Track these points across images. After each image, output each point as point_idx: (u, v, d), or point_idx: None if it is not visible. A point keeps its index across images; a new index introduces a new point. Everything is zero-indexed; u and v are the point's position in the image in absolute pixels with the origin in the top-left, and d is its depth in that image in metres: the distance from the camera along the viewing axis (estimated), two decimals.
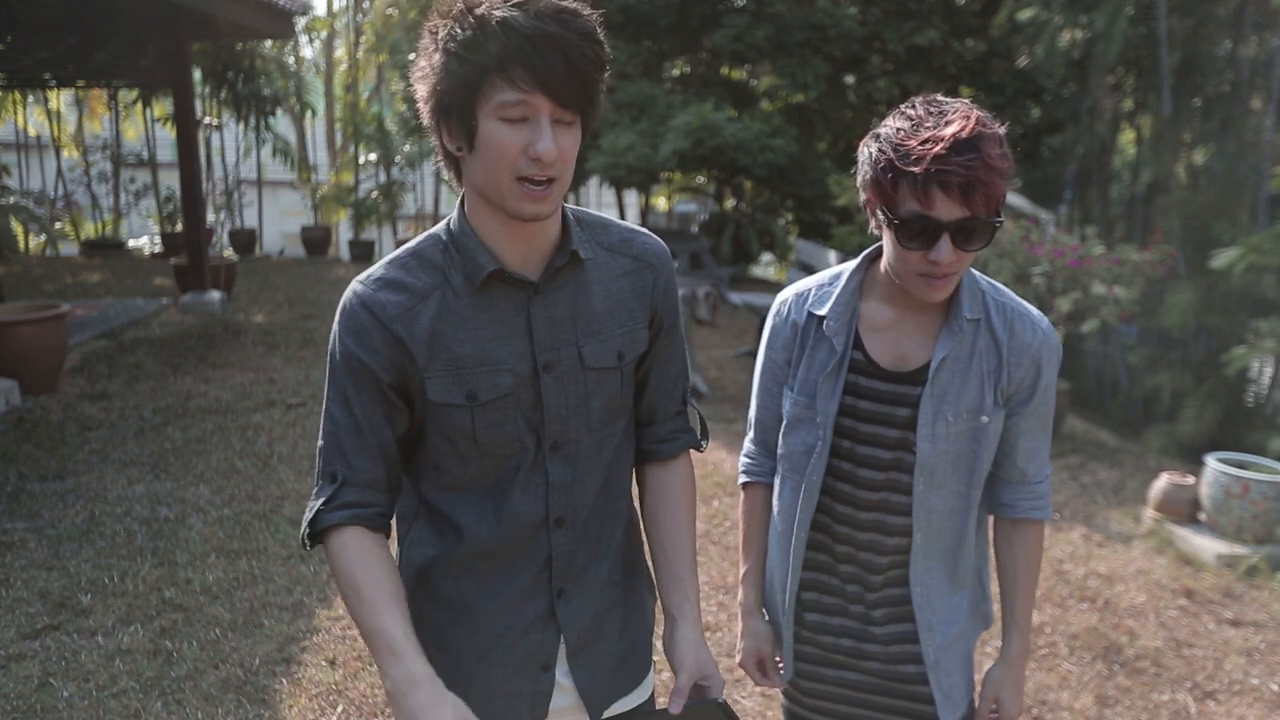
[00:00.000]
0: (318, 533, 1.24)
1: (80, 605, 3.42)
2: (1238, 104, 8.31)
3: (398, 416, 1.26)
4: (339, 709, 2.87)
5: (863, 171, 1.38)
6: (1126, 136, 10.25)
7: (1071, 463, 5.83)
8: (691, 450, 1.47)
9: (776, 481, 1.64)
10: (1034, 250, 6.34)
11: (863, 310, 1.50)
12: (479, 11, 1.10)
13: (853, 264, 1.53)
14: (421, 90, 1.18)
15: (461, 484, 1.29)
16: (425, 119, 1.19)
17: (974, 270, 1.51)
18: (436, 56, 1.14)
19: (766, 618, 1.71)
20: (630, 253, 1.33)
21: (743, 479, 1.72)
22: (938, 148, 1.25)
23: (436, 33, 1.14)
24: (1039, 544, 1.59)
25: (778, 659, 1.71)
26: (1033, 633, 3.51)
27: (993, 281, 1.50)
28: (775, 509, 1.65)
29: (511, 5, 1.10)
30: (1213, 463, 4.46)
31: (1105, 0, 8.12)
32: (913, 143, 1.28)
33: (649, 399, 1.41)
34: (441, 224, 1.28)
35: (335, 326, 1.25)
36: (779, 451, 1.61)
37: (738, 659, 1.72)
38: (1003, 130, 1.33)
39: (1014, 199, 14.15)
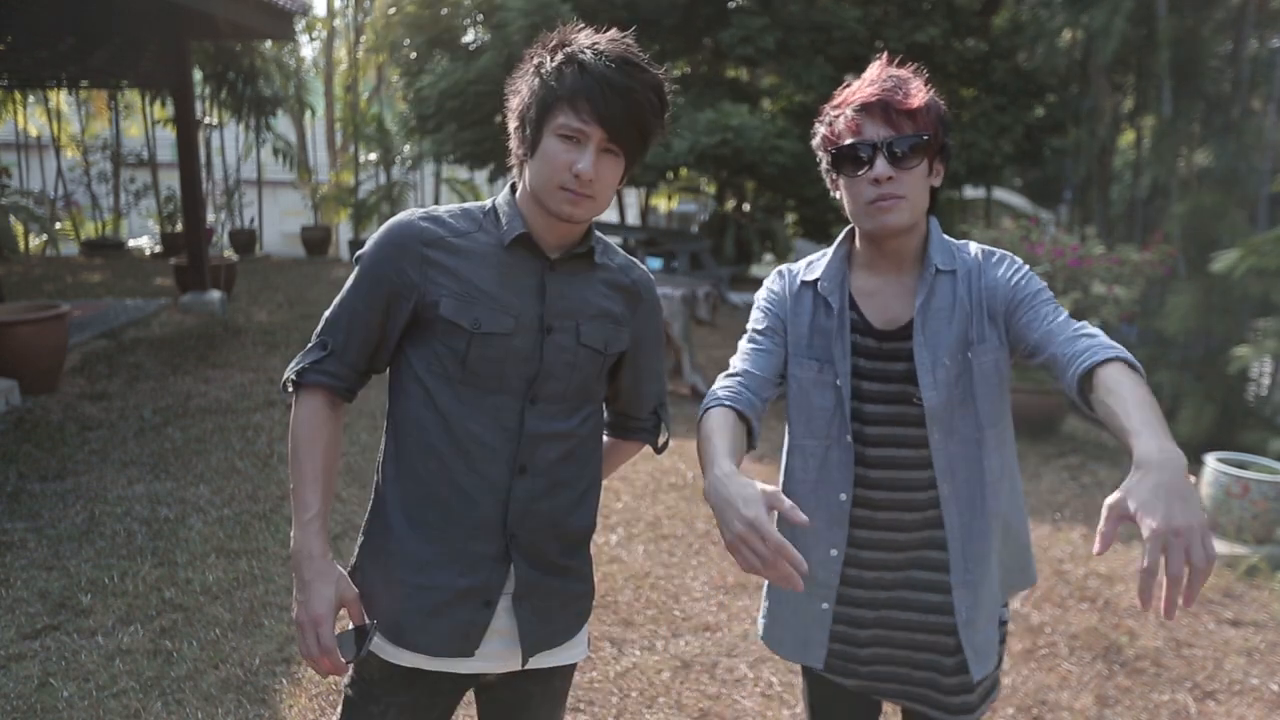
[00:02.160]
0: (298, 383, 1.50)
1: (80, 605, 3.42)
2: (1238, 104, 8.31)
3: (395, 323, 1.46)
4: (339, 709, 2.87)
5: (816, 139, 1.58)
6: (1127, 137, 10.25)
7: (1071, 463, 5.83)
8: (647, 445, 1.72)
9: (796, 454, 1.61)
10: (1034, 250, 6.35)
11: (853, 280, 1.61)
12: (569, 50, 1.38)
13: (837, 239, 1.65)
14: (513, 101, 1.44)
15: (442, 407, 1.45)
16: (510, 123, 1.46)
17: (951, 238, 1.60)
18: (529, 77, 1.41)
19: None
20: (630, 276, 1.58)
21: (712, 405, 1.50)
22: (860, 87, 1.51)
23: (534, 59, 1.41)
24: (1134, 379, 1.24)
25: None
26: (1033, 632, 3.51)
27: (967, 242, 1.62)
28: (804, 479, 1.60)
29: (594, 51, 1.36)
30: (1213, 463, 4.46)
31: (1103, 0, 8.11)
32: (841, 96, 1.54)
33: (624, 403, 1.65)
34: (489, 199, 1.54)
35: (377, 235, 1.48)
36: (792, 420, 1.61)
37: (735, 528, 1.19)
38: (919, 78, 1.52)
39: (1014, 199, 14.18)
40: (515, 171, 1.49)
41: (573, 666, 1.66)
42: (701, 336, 8.48)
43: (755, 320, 1.66)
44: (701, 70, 12.47)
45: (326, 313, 1.51)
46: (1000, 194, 13.52)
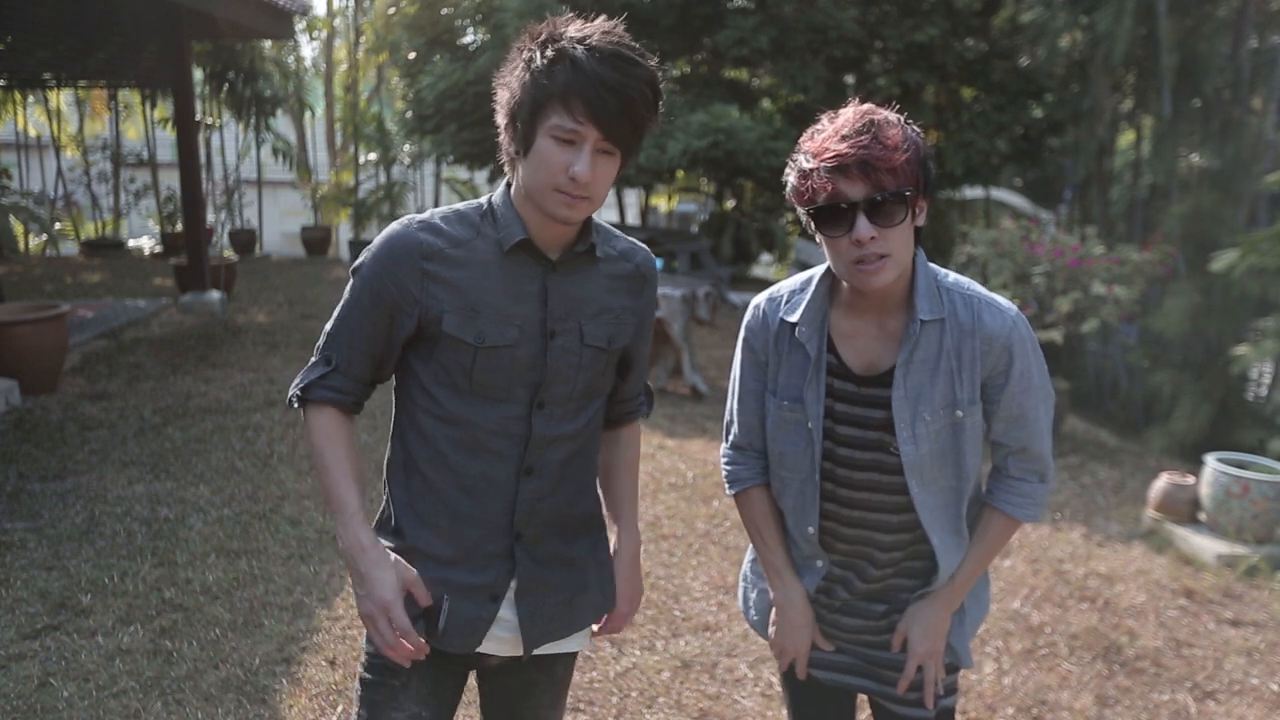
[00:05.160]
0: (304, 400, 1.49)
1: (80, 605, 3.42)
2: (1238, 105, 8.30)
3: (399, 335, 1.45)
4: (339, 709, 2.87)
5: (787, 187, 1.47)
6: (1127, 137, 10.25)
7: (1071, 463, 5.83)
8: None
9: (775, 480, 1.65)
10: (1034, 250, 6.35)
11: (834, 320, 1.55)
12: (559, 45, 1.32)
13: (819, 270, 1.57)
14: (502, 96, 1.39)
15: (450, 416, 1.45)
16: (500, 119, 1.41)
17: (939, 268, 1.54)
18: (519, 72, 1.36)
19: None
20: (634, 260, 1.57)
21: (733, 488, 1.70)
22: (831, 139, 1.39)
23: (523, 52, 1.36)
24: (999, 534, 1.58)
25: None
26: (1033, 633, 3.51)
27: (959, 278, 1.53)
28: (785, 505, 1.65)
29: (585, 46, 1.31)
30: (1213, 462, 4.46)
31: (1108, 1, 8.10)
32: (812, 144, 1.42)
33: (622, 390, 1.65)
34: (484, 197, 1.51)
35: (374, 246, 1.45)
36: (772, 456, 1.63)
37: (788, 654, 1.69)
38: (898, 116, 1.43)
39: (1014, 199, 14.17)
40: (507, 168, 1.45)
41: (575, 654, 1.68)
42: (701, 336, 8.47)
43: (740, 366, 1.66)
44: (700, 71, 12.47)
45: (327, 326, 1.50)
46: (1000, 194, 13.51)
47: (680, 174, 12.25)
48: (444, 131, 11.22)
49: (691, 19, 11.24)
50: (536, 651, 1.56)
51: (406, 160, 15.73)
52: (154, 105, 13.83)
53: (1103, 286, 6.02)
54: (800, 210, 1.45)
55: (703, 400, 6.83)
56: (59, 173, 14.85)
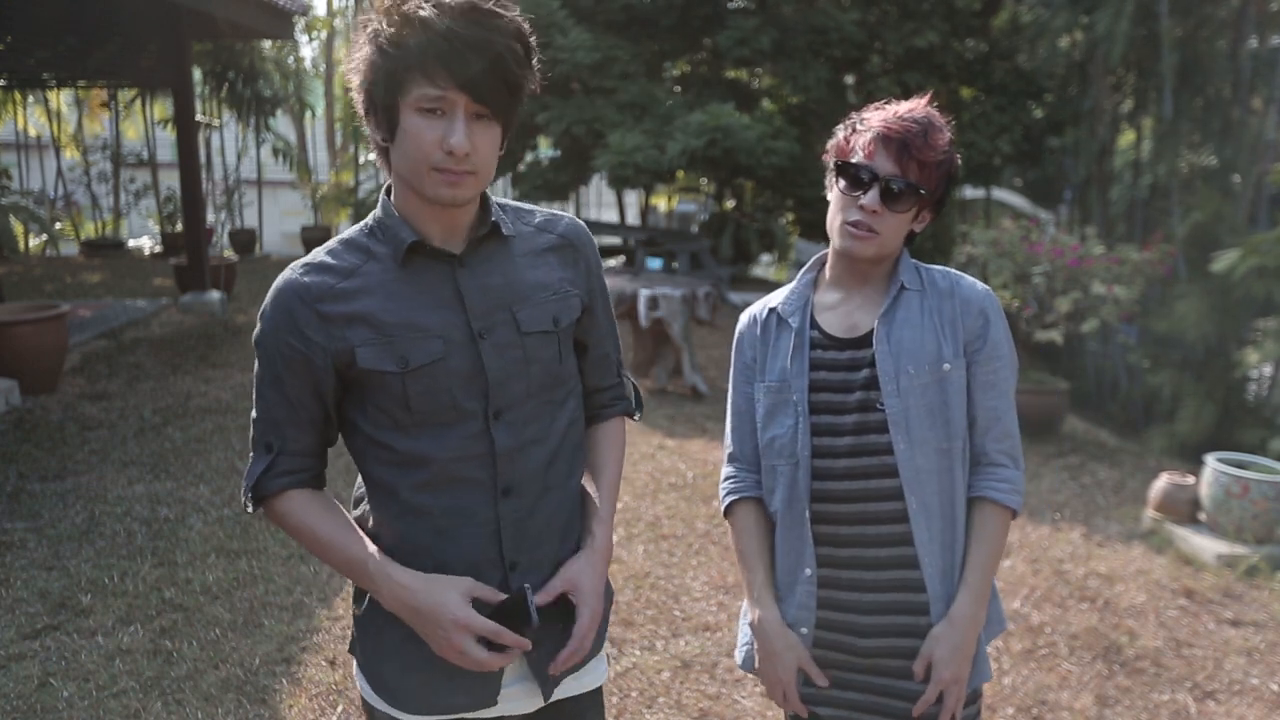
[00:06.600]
0: (260, 497, 1.35)
1: (80, 605, 3.42)
2: (1238, 105, 8.30)
3: (326, 390, 1.32)
4: (339, 709, 2.87)
5: (831, 141, 1.60)
6: (1127, 137, 10.26)
7: (1071, 463, 5.83)
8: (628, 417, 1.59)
9: (768, 475, 1.63)
10: (1034, 250, 6.35)
11: (816, 298, 1.65)
12: (404, 9, 1.19)
13: (806, 266, 1.70)
14: (354, 81, 1.28)
15: (405, 458, 1.32)
16: (359, 108, 1.29)
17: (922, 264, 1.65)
18: (367, 50, 1.23)
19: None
20: (555, 230, 1.43)
21: (728, 500, 1.69)
22: (891, 117, 1.53)
23: (368, 28, 1.23)
24: (997, 527, 1.55)
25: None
26: (1033, 633, 3.51)
27: (938, 267, 1.66)
28: (776, 506, 1.62)
29: (435, 4, 1.18)
30: (1213, 462, 4.46)
31: (1107, 1, 8.11)
32: (874, 114, 1.56)
33: (590, 373, 1.50)
34: (368, 217, 1.37)
35: (265, 308, 1.32)
36: (762, 445, 1.62)
37: (776, 686, 1.61)
38: (948, 131, 1.56)
39: (1014, 199, 14.18)
40: (380, 165, 1.32)
41: (599, 691, 1.54)
42: (701, 336, 8.47)
43: (732, 375, 1.72)
44: (700, 71, 12.47)
45: (253, 413, 1.36)
46: (1000, 194, 13.52)
47: (680, 174, 12.25)
48: None
49: (691, 19, 11.25)
50: (556, 697, 1.42)
51: None
52: (144, 103, 13.80)
53: (1103, 286, 6.02)
54: (831, 162, 1.57)
55: (703, 400, 6.83)
56: (59, 173, 14.84)
